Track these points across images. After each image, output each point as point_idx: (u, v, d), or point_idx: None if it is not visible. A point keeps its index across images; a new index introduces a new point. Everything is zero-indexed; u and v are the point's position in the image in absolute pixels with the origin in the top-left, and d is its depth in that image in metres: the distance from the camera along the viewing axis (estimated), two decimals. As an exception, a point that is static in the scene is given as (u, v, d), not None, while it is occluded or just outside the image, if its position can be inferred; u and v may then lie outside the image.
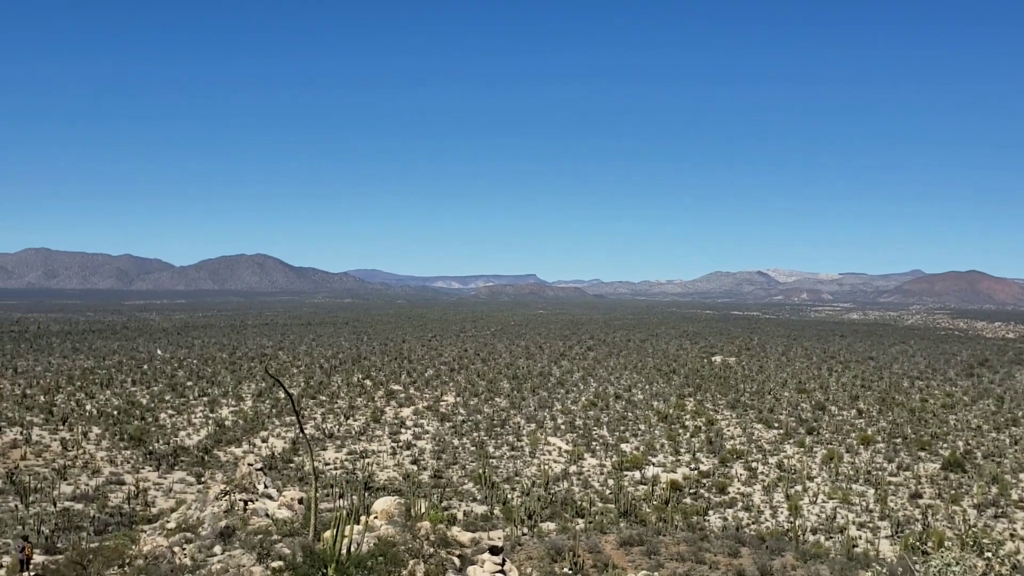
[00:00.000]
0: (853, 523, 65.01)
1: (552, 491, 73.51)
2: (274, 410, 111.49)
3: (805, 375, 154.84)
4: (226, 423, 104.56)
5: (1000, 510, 68.31)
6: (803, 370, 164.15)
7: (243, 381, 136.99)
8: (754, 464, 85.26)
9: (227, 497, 47.46)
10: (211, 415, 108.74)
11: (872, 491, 74.58)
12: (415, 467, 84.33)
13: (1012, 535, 61.34)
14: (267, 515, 44.87)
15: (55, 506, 62.50)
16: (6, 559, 39.89)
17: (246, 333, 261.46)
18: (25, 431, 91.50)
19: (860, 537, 61.01)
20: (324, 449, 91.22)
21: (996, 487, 73.84)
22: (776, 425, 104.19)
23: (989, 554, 20.33)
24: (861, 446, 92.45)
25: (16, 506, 61.74)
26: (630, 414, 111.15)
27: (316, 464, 55.86)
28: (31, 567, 32.37)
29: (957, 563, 18.07)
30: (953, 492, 73.45)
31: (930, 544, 48.08)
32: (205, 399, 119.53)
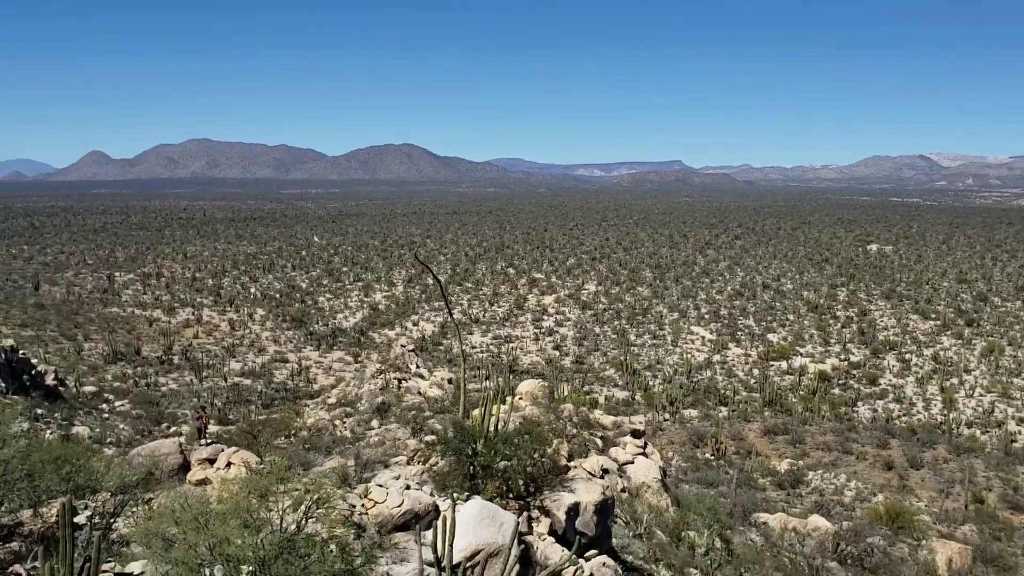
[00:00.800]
0: (1012, 418, 62.40)
1: (694, 379, 73.78)
2: (423, 295, 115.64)
3: (967, 264, 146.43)
4: (379, 307, 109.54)
5: None
6: (965, 259, 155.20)
7: (394, 267, 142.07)
8: (908, 356, 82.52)
9: (382, 376, 50.30)
10: (365, 299, 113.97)
11: (1036, 387, 71.04)
12: (557, 353, 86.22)
13: None
14: (419, 393, 47.35)
15: (226, 381, 67.84)
16: (185, 427, 43.80)
17: (396, 221, 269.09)
18: (196, 312, 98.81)
19: (1020, 432, 58.59)
20: (470, 333, 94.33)
21: None
22: (933, 316, 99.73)
23: None
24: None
25: (191, 380, 67.41)
26: (778, 304, 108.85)
27: (464, 347, 57.47)
28: (207, 435, 35.21)
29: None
30: None
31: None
32: (360, 284, 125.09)
